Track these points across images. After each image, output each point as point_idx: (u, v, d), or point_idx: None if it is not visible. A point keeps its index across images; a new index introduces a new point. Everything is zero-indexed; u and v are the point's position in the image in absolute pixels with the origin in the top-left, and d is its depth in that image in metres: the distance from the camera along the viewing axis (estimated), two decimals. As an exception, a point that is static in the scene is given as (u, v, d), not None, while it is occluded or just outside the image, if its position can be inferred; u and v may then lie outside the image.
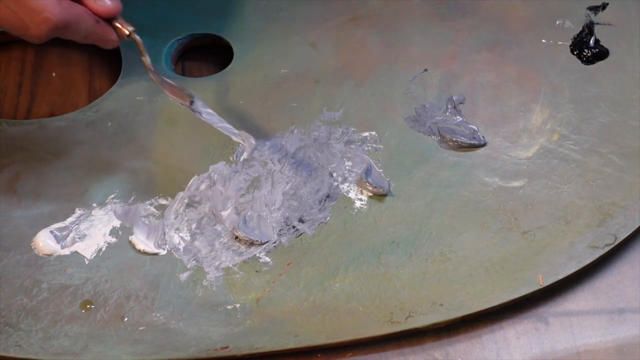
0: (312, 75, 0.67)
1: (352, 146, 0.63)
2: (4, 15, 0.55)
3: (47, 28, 0.56)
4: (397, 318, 0.55)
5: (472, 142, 0.63)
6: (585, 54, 0.68)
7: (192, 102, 0.60)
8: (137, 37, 0.59)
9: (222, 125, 0.60)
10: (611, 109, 0.65)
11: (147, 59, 0.59)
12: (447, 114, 0.65)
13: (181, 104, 0.60)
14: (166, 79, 0.60)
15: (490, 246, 0.58)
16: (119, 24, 0.58)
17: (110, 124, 0.64)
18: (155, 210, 0.59)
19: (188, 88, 0.60)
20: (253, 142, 0.61)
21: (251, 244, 0.58)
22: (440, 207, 0.60)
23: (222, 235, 0.59)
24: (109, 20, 0.58)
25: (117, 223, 0.59)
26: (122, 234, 0.58)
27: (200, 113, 0.60)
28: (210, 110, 0.60)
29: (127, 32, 0.58)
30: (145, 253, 0.58)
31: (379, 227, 0.59)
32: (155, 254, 0.58)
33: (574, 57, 0.68)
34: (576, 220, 0.59)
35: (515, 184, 0.61)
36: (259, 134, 0.63)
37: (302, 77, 0.67)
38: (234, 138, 0.60)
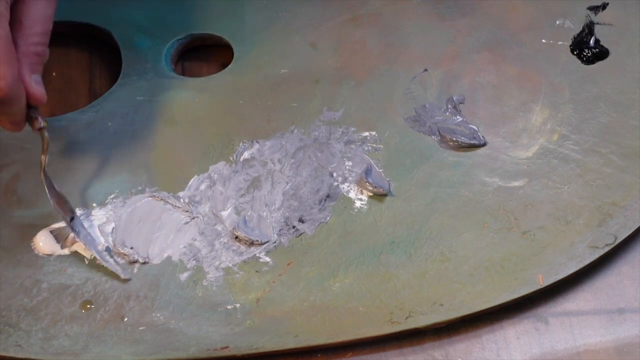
0: (312, 75, 0.67)
1: (352, 146, 0.63)
2: None
3: None
4: (397, 318, 0.55)
5: (472, 142, 0.63)
6: (585, 54, 0.68)
7: (72, 219, 0.58)
8: (46, 135, 0.57)
9: (97, 250, 0.57)
10: (611, 109, 0.65)
11: (44, 159, 0.57)
12: (447, 114, 0.65)
13: (62, 217, 0.58)
14: (54, 188, 0.58)
15: (490, 246, 0.58)
16: (35, 114, 0.56)
17: (110, 124, 0.64)
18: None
19: (70, 203, 0.59)
20: (121, 273, 0.57)
21: (251, 244, 0.58)
22: (440, 207, 0.60)
23: (222, 235, 0.59)
24: (31, 107, 0.56)
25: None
26: (122, 234, 0.59)
27: (78, 232, 0.57)
28: (90, 232, 0.58)
29: (41, 125, 0.56)
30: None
31: (379, 227, 0.59)
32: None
33: (574, 57, 0.68)
34: (576, 220, 0.59)
35: (515, 184, 0.61)
36: (259, 134, 0.63)
37: (302, 77, 0.67)
38: (104, 264, 0.57)
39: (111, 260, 0.57)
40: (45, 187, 0.58)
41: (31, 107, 0.56)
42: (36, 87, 0.55)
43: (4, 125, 0.56)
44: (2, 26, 0.52)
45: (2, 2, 0.52)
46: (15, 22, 0.54)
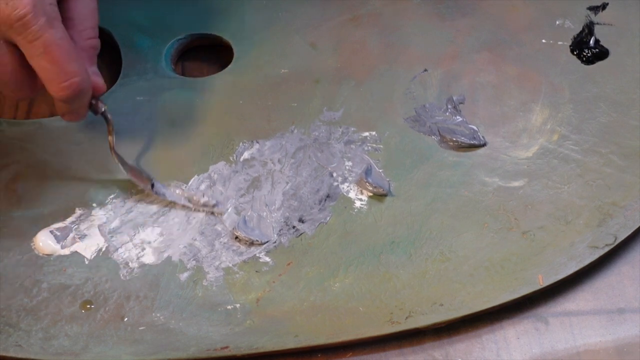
0: (312, 75, 0.67)
1: (352, 146, 0.63)
2: (10, 69, 0.53)
3: (66, 94, 0.54)
4: (397, 318, 0.55)
5: (472, 142, 0.63)
6: (585, 54, 0.68)
7: (152, 185, 0.59)
8: (109, 116, 0.59)
9: (185, 203, 0.59)
10: (611, 109, 0.65)
11: (112, 139, 0.59)
12: (447, 114, 0.65)
13: (143, 186, 0.60)
14: (127, 162, 0.60)
15: (490, 246, 0.58)
16: (95, 101, 0.59)
17: (110, 124, 0.64)
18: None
19: (147, 171, 0.60)
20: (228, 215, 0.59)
21: (251, 244, 0.58)
22: (440, 207, 0.60)
23: (222, 235, 0.59)
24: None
25: (117, 223, 0.59)
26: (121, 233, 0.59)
27: (163, 195, 0.59)
28: (171, 191, 0.60)
29: (102, 109, 0.59)
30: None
31: (379, 227, 0.59)
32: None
33: (574, 57, 0.68)
34: (576, 220, 0.59)
35: (515, 184, 0.61)
36: (259, 134, 0.63)
37: (302, 77, 0.67)
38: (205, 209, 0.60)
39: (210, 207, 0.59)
40: (119, 164, 0.59)
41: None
42: (97, 79, 0.58)
43: (68, 118, 0.58)
44: (59, 28, 0.53)
45: (50, 6, 0.53)
46: (66, 20, 0.56)
